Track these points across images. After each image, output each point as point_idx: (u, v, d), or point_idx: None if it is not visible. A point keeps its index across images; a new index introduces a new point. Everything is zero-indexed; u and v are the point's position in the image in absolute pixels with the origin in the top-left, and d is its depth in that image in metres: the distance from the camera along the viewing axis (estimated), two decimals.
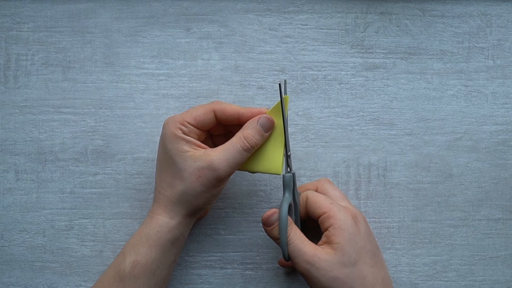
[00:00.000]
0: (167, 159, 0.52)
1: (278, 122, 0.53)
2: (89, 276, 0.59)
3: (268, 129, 0.52)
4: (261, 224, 0.56)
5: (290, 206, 0.52)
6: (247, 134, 0.51)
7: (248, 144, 0.51)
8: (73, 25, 0.61)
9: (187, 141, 0.51)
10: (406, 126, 0.61)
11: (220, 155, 0.50)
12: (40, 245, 0.60)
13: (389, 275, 0.55)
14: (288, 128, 0.54)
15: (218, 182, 0.51)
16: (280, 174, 0.53)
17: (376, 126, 0.61)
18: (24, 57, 0.61)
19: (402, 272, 0.60)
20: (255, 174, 0.59)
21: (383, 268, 0.53)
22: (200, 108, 0.53)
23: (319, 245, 0.52)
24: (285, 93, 0.53)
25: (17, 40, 0.61)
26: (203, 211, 0.56)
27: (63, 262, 0.60)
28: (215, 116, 0.52)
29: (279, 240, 0.52)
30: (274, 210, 0.53)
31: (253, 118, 0.52)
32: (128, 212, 0.60)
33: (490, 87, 0.61)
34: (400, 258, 0.60)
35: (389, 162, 0.61)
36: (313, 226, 0.57)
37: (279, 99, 0.52)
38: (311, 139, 0.61)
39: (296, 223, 0.54)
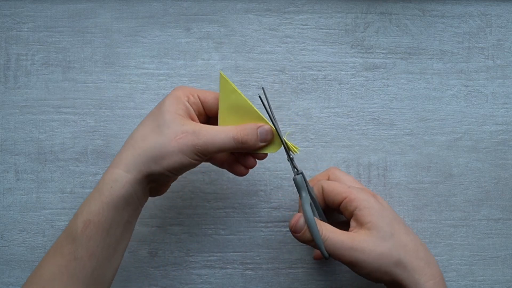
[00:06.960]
0: (156, 114, 0.50)
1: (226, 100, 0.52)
2: None
3: (264, 139, 0.51)
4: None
5: (310, 205, 0.52)
6: (244, 128, 0.51)
7: (239, 136, 0.50)
8: (73, 25, 0.61)
9: (186, 109, 0.51)
10: (406, 126, 0.61)
11: (210, 129, 0.50)
12: (40, 245, 0.60)
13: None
14: (287, 129, 0.53)
15: (192, 150, 0.49)
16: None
17: (376, 126, 0.61)
18: (24, 57, 0.61)
19: None
20: (255, 173, 0.59)
21: (415, 234, 0.53)
22: (212, 93, 0.53)
23: (351, 231, 0.52)
24: (268, 102, 0.52)
25: (17, 40, 0.61)
26: (160, 186, 0.53)
27: None
28: None
29: (313, 242, 0.51)
30: (298, 214, 0.52)
31: (256, 123, 0.52)
32: None
33: (490, 87, 0.61)
34: None
35: (389, 162, 0.61)
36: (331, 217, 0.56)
37: (262, 100, 0.52)
38: (311, 139, 0.61)
39: (321, 218, 0.54)
